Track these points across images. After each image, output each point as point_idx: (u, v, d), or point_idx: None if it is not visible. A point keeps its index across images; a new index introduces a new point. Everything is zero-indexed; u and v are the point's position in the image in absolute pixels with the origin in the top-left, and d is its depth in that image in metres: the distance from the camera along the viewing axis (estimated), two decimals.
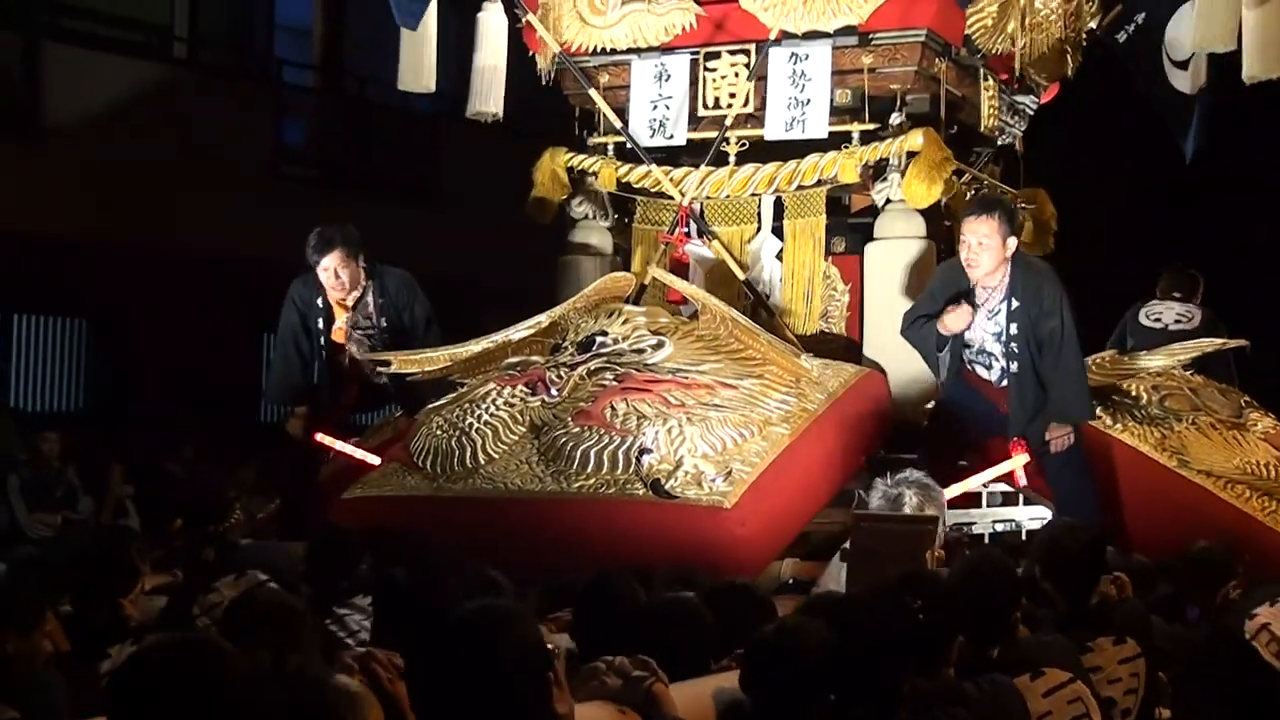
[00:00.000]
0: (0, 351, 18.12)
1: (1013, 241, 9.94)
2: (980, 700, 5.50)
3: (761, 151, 11.04)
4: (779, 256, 11.09)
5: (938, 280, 10.26)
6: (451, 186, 19.97)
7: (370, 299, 10.90)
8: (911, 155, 10.60)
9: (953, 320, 9.89)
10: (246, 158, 18.58)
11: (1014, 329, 9.90)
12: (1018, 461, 9.85)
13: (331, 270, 10.70)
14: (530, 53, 11.69)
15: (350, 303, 10.88)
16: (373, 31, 19.46)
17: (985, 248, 9.84)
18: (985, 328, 10.04)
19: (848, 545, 8.77)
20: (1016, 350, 9.91)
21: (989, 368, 10.17)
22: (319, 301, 10.91)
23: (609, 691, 4.95)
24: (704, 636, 5.96)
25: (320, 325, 10.93)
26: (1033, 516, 10.59)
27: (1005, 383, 10.02)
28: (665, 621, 5.94)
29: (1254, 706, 5.88)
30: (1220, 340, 11.30)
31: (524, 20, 11.55)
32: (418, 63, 11.53)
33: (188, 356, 17.47)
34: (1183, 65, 11.51)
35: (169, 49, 19.63)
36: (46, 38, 17.67)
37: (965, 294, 9.98)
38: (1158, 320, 11.89)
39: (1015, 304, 9.89)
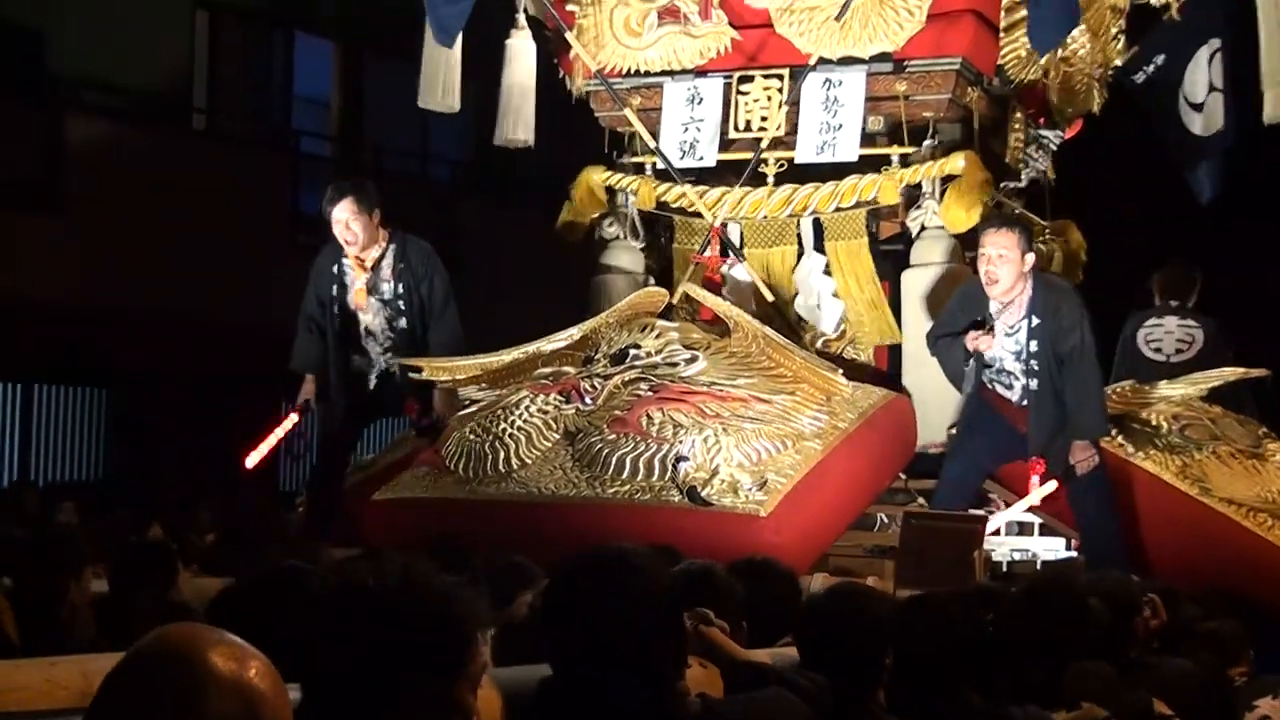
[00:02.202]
0: (21, 422, 17.38)
1: (1030, 257, 9.38)
2: None
3: (799, 173, 10.45)
4: (826, 271, 10.47)
5: (957, 300, 9.73)
6: (467, 254, 19.34)
7: (389, 261, 10.10)
8: (948, 180, 10.08)
9: (982, 343, 9.33)
10: (264, 227, 17.89)
11: (1034, 346, 9.34)
12: (1048, 488, 9.28)
13: (343, 222, 9.92)
14: (561, 74, 11.06)
15: (369, 262, 10.08)
16: (389, 103, 19.05)
17: (1005, 260, 9.24)
18: (1005, 345, 9.46)
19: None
20: (1037, 368, 9.35)
21: (1009, 387, 9.56)
22: (334, 269, 10.18)
23: None
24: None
25: (334, 292, 10.17)
26: (1048, 548, 10.09)
27: (1026, 401, 9.46)
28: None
29: None
30: (1243, 370, 10.65)
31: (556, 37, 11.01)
32: (443, 81, 10.82)
33: (206, 424, 16.73)
34: (1198, 108, 11.18)
35: (188, 120, 19.06)
36: (68, 110, 17.03)
37: (984, 320, 9.46)
38: (1158, 350, 11.25)
39: (1035, 321, 9.34)
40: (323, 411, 10.57)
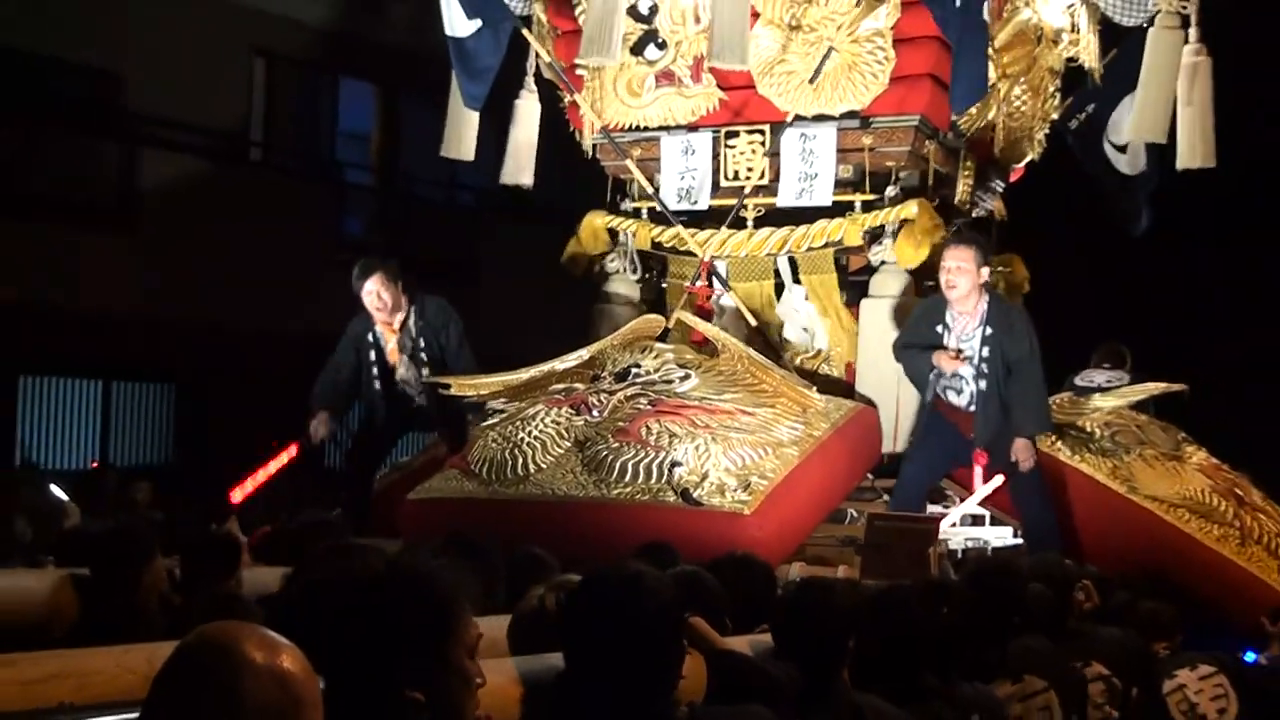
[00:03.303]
0: (101, 414, 17.46)
1: (985, 270, 9.51)
2: (972, 701, 5.25)
3: (775, 217, 10.52)
4: (807, 299, 10.57)
5: (920, 311, 9.84)
6: (486, 272, 19.43)
7: (411, 322, 10.37)
8: (905, 222, 10.17)
9: (946, 363, 9.46)
10: (312, 247, 17.80)
11: (986, 352, 9.44)
12: (994, 484, 9.39)
13: (375, 293, 10.20)
14: (571, 128, 11.15)
15: (396, 325, 10.36)
16: (421, 138, 19.02)
17: (963, 272, 9.39)
18: (961, 352, 9.53)
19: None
20: (986, 371, 9.43)
21: (960, 392, 9.63)
22: (369, 336, 10.43)
23: None
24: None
25: (373, 357, 10.43)
26: (998, 536, 10.02)
27: (973, 406, 9.54)
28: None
29: None
30: (1164, 384, 10.75)
31: (567, 100, 11.08)
32: (460, 134, 10.98)
33: (259, 417, 16.76)
34: (1122, 150, 11.31)
35: (246, 153, 19.03)
36: (142, 145, 17.07)
37: (947, 331, 9.55)
38: (1091, 381, 11.32)
39: (989, 331, 9.44)
40: (361, 424, 10.77)
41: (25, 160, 15.85)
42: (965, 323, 9.49)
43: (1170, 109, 9.78)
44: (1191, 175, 10.05)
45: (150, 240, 16.67)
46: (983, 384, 9.43)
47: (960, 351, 9.46)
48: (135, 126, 17.20)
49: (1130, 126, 10.26)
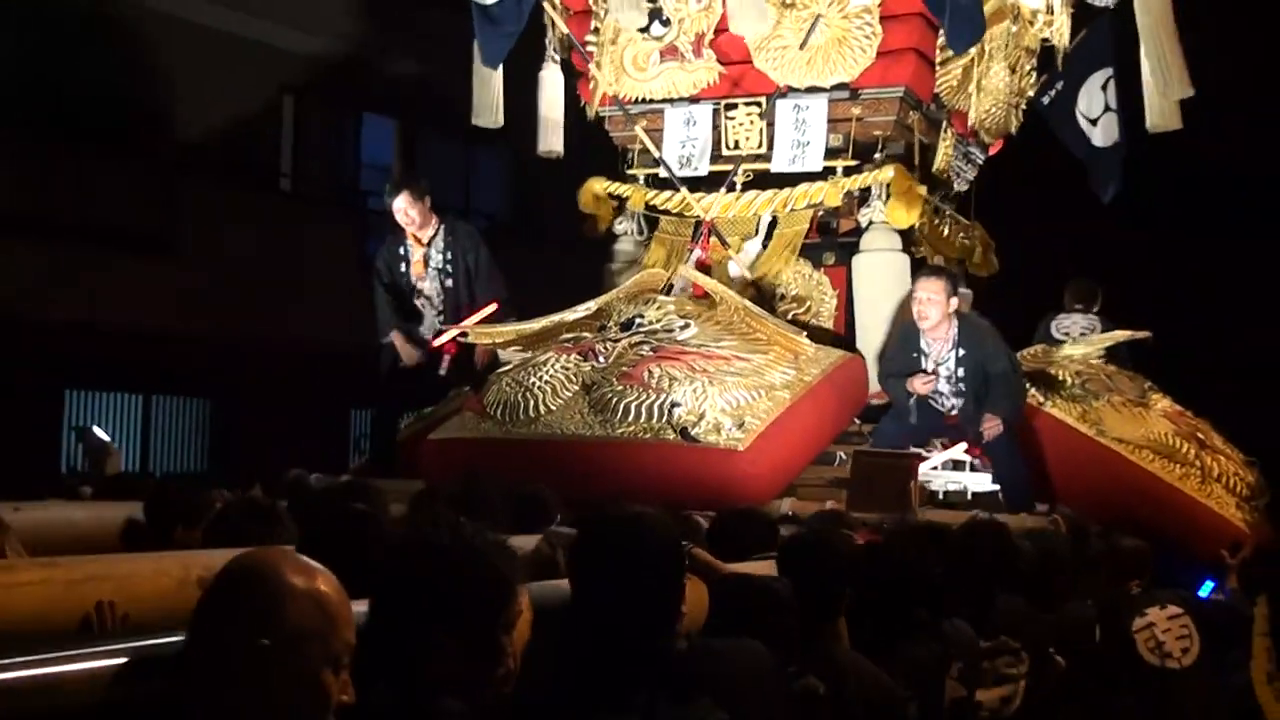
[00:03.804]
0: (141, 425, 17.58)
1: (954, 300, 9.76)
2: (953, 638, 5.31)
3: (761, 181, 10.74)
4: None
5: (897, 338, 10.09)
6: None
7: (440, 236, 10.60)
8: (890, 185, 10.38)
9: (919, 386, 9.69)
10: (336, 270, 17.78)
11: (962, 373, 9.73)
12: (961, 448, 9.74)
13: (402, 210, 10.45)
14: (582, 102, 11.32)
15: (425, 239, 10.57)
16: (438, 167, 19.27)
17: (933, 303, 9.67)
18: (937, 373, 9.78)
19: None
20: (964, 389, 9.73)
21: (940, 405, 9.89)
22: (400, 250, 10.66)
23: None
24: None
25: (403, 269, 10.65)
26: (977, 483, 10.09)
27: (954, 413, 9.81)
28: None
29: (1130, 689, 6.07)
30: (1129, 332, 10.95)
31: (578, 78, 11.32)
32: (488, 102, 11.14)
33: (287, 429, 16.98)
34: (1094, 122, 11.48)
35: (276, 183, 19.21)
36: (181, 175, 17.24)
37: (923, 356, 9.80)
38: (1066, 334, 11.55)
39: (963, 353, 9.72)
40: (383, 382, 10.86)
41: (74, 189, 16.04)
42: (940, 346, 9.75)
43: (1182, 58, 10.06)
44: (1186, 172, 10.27)
45: (188, 264, 16.79)
46: (962, 400, 9.73)
47: (933, 372, 9.71)
48: (174, 157, 17.40)
49: (1160, 88, 10.38)
